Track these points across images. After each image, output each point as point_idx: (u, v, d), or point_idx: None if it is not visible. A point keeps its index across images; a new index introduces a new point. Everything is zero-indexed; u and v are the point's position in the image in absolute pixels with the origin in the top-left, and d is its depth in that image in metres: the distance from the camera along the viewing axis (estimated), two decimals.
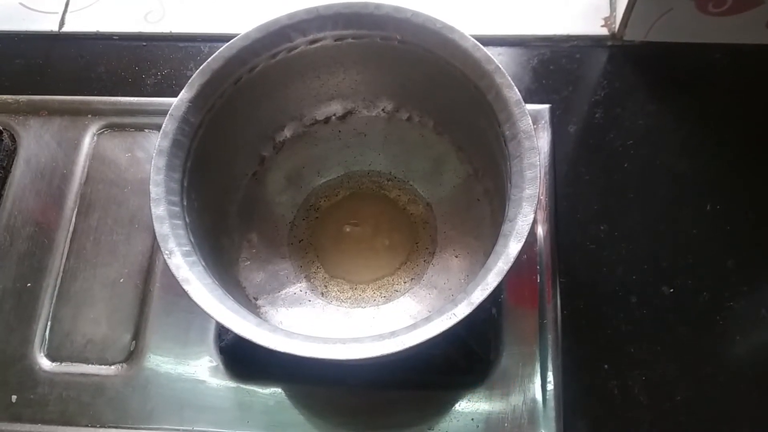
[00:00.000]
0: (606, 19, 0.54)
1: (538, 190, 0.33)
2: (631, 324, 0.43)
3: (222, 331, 0.44)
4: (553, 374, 0.41)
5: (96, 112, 0.53)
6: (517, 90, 0.35)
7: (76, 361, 0.44)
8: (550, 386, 0.41)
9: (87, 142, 0.51)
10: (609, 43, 0.53)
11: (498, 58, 0.53)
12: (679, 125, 0.50)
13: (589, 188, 0.48)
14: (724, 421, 0.41)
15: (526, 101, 0.50)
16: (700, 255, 0.45)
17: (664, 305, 0.44)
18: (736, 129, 0.49)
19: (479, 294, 0.31)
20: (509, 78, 0.35)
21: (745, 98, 0.50)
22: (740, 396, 0.41)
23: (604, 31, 0.54)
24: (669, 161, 0.48)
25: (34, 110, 0.53)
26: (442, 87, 0.40)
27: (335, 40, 0.39)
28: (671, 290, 0.44)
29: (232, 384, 0.43)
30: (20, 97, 0.54)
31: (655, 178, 0.48)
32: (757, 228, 0.46)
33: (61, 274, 0.47)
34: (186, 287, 0.32)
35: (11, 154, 0.51)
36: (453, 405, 0.41)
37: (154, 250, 0.47)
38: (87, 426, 0.42)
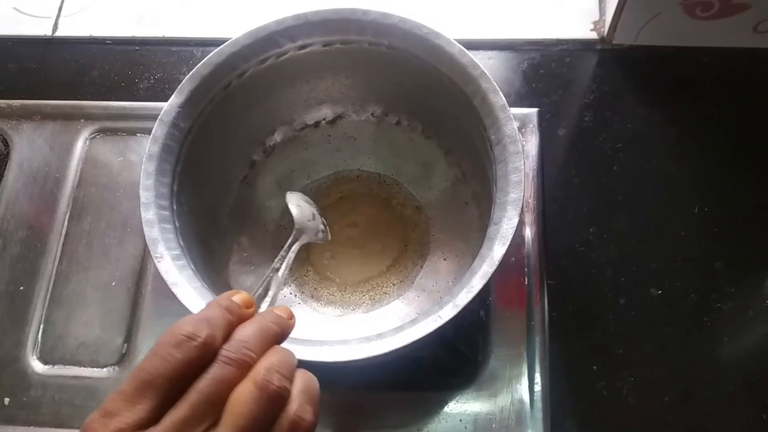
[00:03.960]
0: (595, 23, 0.54)
1: (522, 194, 0.33)
2: (619, 325, 0.44)
3: None
4: (541, 375, 0.42)
5: (89, 117, 0.53)
6: (502, 95, 0.35)
7: (68, 364, 0.44)
8: (537, 387, 0.41)
9: (80, 146, 0.52)
10: (598, 46, 0.54)
11: (488, 62, 0.54)
12: (667, 128, 0.50)
13: (579, 191, 0.48)
14: (711, 422, 0.41)
15: (516, 105, 0.50)
16: (689, 257, 0.45)
17: (653, 307, 0.44)
18: (724, 132, 0.50)
19: (464, 296, 0.31)
20: (495, 83, 0.36)
21: (733, 101, 0.51)
22: (728, 397, 0.42)
23: (594, 35, 0.54)
24: (658, 164, 0.49)
25: (27, 114, 0.53)
26: (429, 92, 0.40)
27: (324, 46, 0.40)
28: (659, 292, 0.45)
29: None
30: (13, 101, 0.54)
31: (644, 181, 0.48)
32: (744, 230, 0.46)
33: (53, 277, 0.47)
34: (175, 290, 0.33)
35: (4, 158, 0.52)
36: (442, 406, 0.41)
37: (145, 253, 0.47)
38: (79, 428, 0.42)
